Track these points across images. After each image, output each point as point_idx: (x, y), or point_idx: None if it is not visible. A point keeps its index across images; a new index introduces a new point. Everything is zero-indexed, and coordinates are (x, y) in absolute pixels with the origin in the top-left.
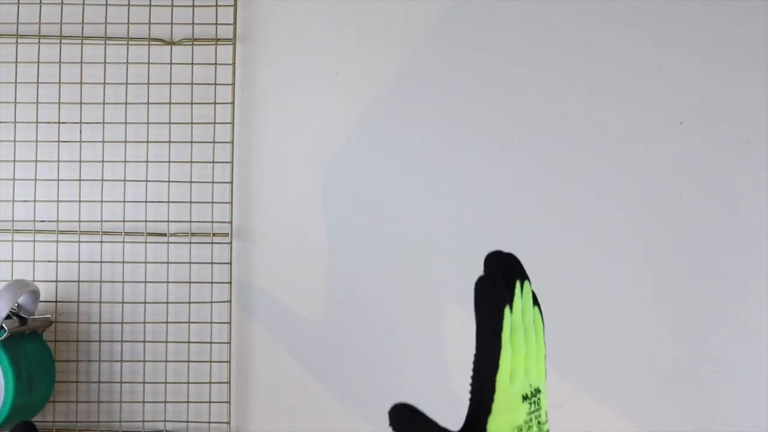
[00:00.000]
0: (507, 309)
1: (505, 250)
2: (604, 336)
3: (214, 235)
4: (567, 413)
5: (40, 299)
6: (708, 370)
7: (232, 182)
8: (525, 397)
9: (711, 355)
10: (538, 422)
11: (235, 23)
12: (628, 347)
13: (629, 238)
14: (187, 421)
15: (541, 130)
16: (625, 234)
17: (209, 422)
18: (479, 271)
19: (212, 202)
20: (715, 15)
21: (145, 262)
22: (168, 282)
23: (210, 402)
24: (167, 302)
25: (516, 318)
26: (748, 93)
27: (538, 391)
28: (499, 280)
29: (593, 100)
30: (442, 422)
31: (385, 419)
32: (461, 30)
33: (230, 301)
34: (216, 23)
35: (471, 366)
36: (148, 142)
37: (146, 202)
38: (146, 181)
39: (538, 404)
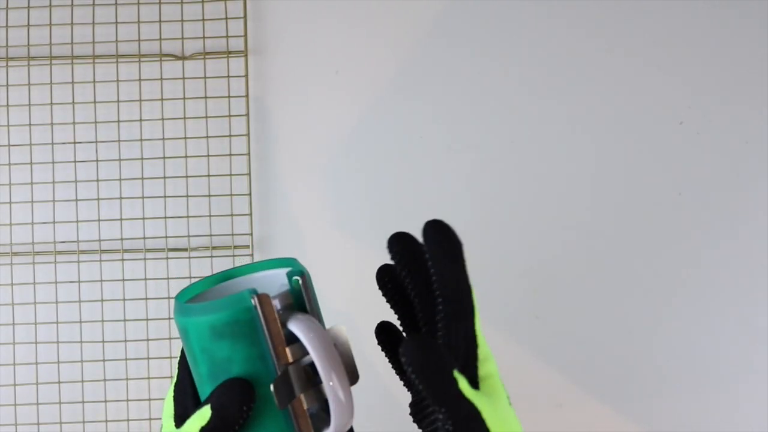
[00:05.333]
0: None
1: (505, 250)
2: (604, 336)
3: (235, 247)
4: (567, 413)
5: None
6: (708, 370)
7: (250, 194)
8: None
9: (711, 354)
10: None
11: (246, 35)
12: (628, 347)
13: (629, 238)
14: None
15: (540, 131)
16: (625, 234)
17: None
18: (478, 269)
19: (232, 215)
20: (715, 15)
21: (168, 278)
22: None
23: None
24: None
25: None
26: (748, 93)
27: None
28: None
29: (593, 100)
30: None
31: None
32: (461, 30)
33: None
34: (227, 36)
35: None
36: (164, 158)
37: (165, 218)
38: (164, 197)
39: None
